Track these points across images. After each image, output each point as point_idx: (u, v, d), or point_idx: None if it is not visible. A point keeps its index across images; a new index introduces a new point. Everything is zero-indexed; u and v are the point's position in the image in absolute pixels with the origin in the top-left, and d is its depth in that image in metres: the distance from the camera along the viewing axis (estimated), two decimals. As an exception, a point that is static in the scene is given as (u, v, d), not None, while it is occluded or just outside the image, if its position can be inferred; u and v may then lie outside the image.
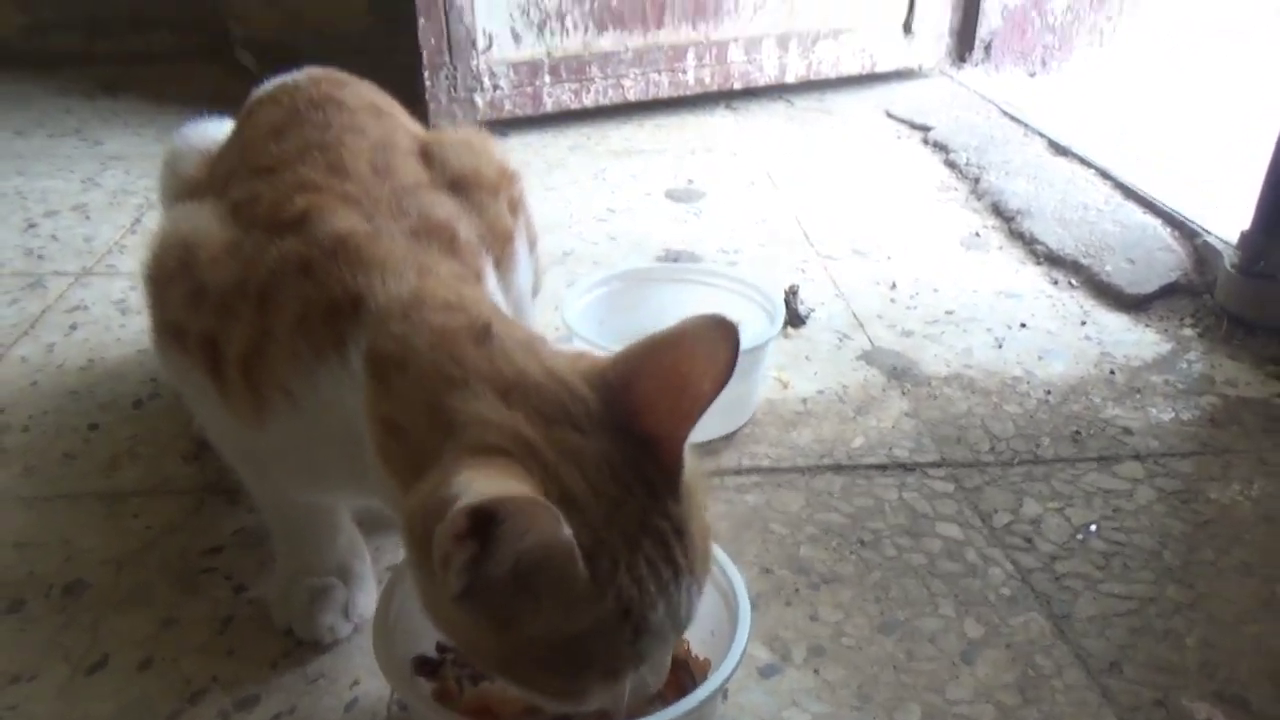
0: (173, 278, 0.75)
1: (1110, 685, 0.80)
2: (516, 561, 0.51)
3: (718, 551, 0.73)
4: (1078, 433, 1.14)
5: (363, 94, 0.88)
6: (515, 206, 0.89)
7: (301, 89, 0.86)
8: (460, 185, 0.81)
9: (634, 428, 0.57)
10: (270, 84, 0.90)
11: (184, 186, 0.92)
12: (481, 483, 0.49)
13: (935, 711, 0.77)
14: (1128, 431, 1.14)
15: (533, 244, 0.94)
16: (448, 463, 0.54)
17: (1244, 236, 1.33)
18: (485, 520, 0.48)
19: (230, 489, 0.99)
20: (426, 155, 0.84)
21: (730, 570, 0.74)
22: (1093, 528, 0.99)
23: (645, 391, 0.57)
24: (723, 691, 0.76)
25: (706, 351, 0.55)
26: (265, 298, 0.68)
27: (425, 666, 0.71)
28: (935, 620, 0.86)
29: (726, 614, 0.71)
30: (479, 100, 2.01)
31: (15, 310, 1.35)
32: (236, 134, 0.89)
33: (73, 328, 1.31)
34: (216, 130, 0.99)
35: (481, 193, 0.82)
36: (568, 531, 0.50)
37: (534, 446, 0.54)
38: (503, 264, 0.82)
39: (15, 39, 2.49)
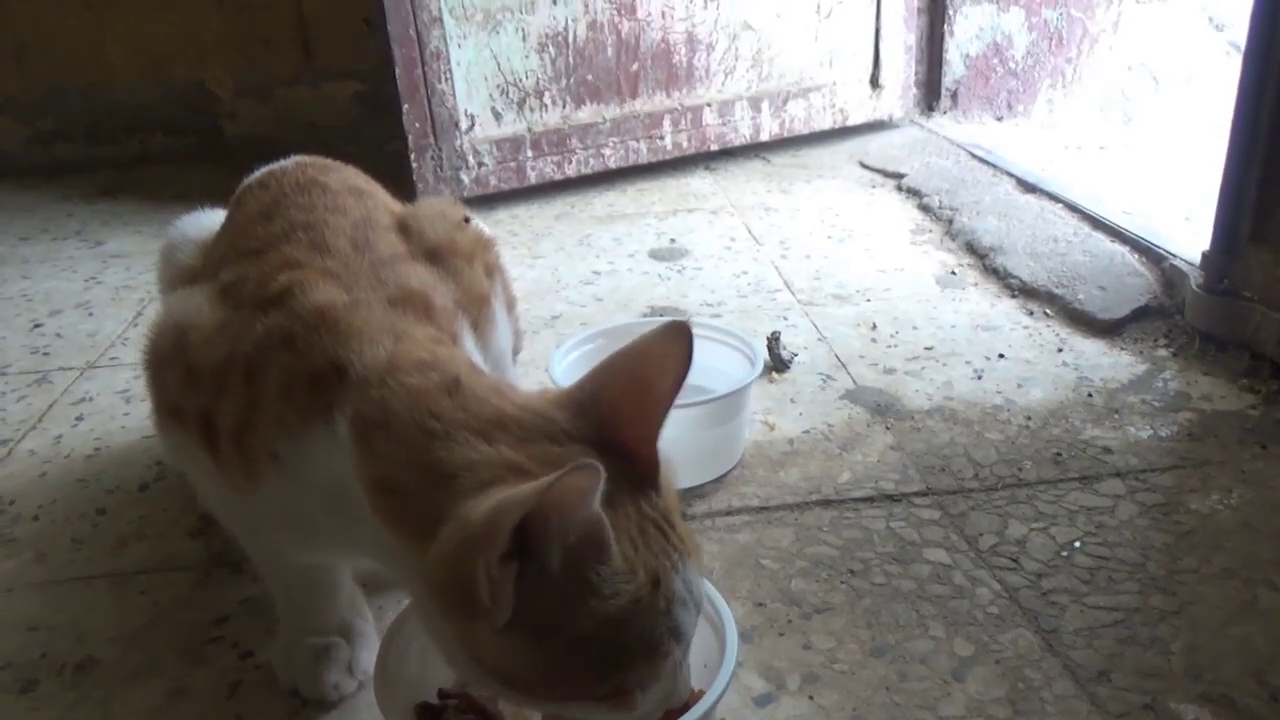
0: (168, 361, 0.79)
1: (1099, 693, 0.81)
2: (564, 551, 0.55)
3: (707, 587, 0.76)
4: (1059, 454, 1.17)
5: (345, 177, 0.93)
6: (491, 270, 0.93)
7: (288, 174, 0.91)
8: (436, 254, 0.86)
9: (607, 437, 0.62)
10: (259, 172, 0.96)
11: (181, 275, 0.97)
12: (503, 500, 0.54)
13: (928, 729, 0.79)
14: (1108, 450, 1.17)
15: (510, 305, 0.98)
16: (456, 515, 0.58)
17: (1205, 257, 1.38)
18: (525, 529, 0.53)
19: (235, 561, 1.02)
20: (404, 229, 0.88)
21: (719, 603, 0.76)
22: (1077, 544, 1.01)
23: (610, 402, 0.62)
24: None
25: (662, 352, 0.61)
26: (252, 371, 0.72)
27: (428, 714, 0.73)
28: (926, 642, 0.88)
29: (717, 646, 0.73)
30: (465, 177, 2.08)
31: (23, 406, 1.39)
32: (228, 220, 0.94)
33: (79, 419, 1.35)
34: (210, 220, 1.04)
35: (457, 259, 0.87)
36: (598, 505, 0.54)
37: (519, 466, 0.59)
38: (480, 326, 0.86)
39: (18, 151, 2.59)
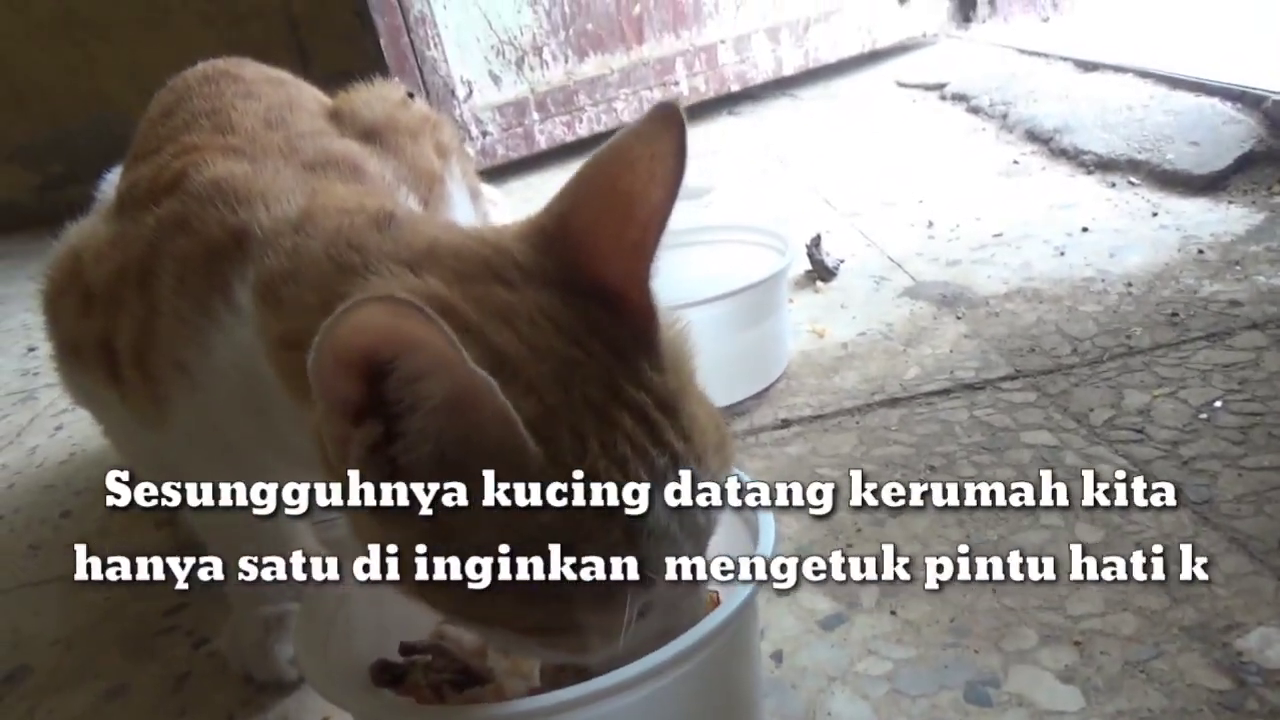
0: (63, 291, 0.68)
1: (1286, 565, 0.61)
2: (438, 427, 0.38)
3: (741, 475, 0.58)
4: (1174, 315, 0.95)
5: (263, 69, 0.80)
6: (444, 151, 0.77)
7: (196, 71, 0.78)
8: (373, 133, 0.71)
9: (584, 278, 0.44)
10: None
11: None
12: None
13: (1057, 632, 0.58)
14: (1235, 304, 0.95)
15: (474, 194, 0.82)
16: None
17: (1320, 76, 1.15)
18: (375, 378, 0.37)
19: (202, 545, 0.87)
20: (336, 115, 0.74)
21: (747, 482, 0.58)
22: (1218, 404, 0.80)
23: (583, 227, 0.45)
24: (766, 643, 0.60)
25: (645, 152, 0.43)
26: (145, 272, 0.58)
27: (386, 674, 0.56)
28: (1038, 533, 0.68)
29: (750, 539, 0.55)
30: (469, 150, 1.93)
31: (3, 424, 1.28)
32: (134, 136, 0.80)
33: (58, 428, 1.23)
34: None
35: (397, 136, 0.72)
36: (477, 370, 0.37)
37: (450, 306, 0.42)
38: (431, 205, 0.70)
39: (32, 201, 2.54)
